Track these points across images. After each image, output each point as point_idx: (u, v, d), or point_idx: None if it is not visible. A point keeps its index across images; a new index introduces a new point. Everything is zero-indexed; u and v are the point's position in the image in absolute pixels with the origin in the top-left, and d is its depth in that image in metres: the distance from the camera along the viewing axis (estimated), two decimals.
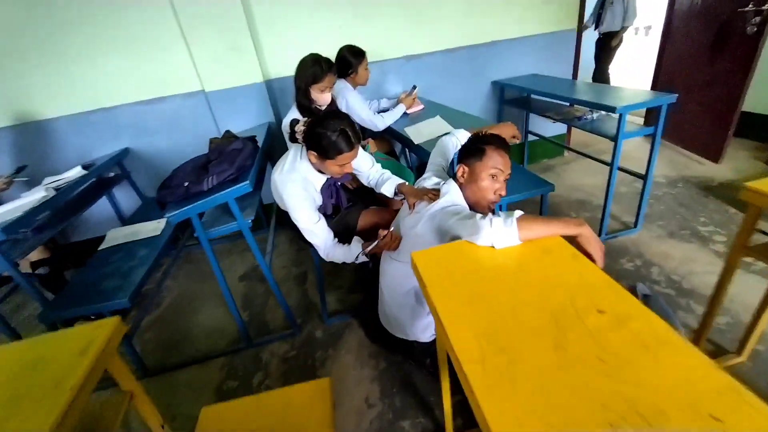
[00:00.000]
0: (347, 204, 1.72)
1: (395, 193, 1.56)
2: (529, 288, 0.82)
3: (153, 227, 2.06)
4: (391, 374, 1.66)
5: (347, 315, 2.01)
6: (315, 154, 1.35)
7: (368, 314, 1.86)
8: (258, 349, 1.92)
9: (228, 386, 1.75)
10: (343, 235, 1.70)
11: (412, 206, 1.33)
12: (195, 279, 2.59)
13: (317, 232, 1.47)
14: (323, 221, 1.49)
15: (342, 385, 1.66)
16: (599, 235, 2.24)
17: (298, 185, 1.41)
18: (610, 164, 2.04)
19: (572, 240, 0.95)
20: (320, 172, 1.47)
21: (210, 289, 2.45)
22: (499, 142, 1.24)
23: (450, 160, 1.58)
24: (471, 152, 1.25)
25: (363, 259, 1.46)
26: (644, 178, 2.10)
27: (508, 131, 1.56)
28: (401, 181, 1.58)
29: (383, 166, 1.74)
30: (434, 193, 1.28)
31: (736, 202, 2.38)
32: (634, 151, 3.22)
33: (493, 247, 0.94)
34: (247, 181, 1.51)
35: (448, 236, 1.10)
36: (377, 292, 1.58)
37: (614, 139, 1.93)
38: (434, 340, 1.41)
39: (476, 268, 0.91)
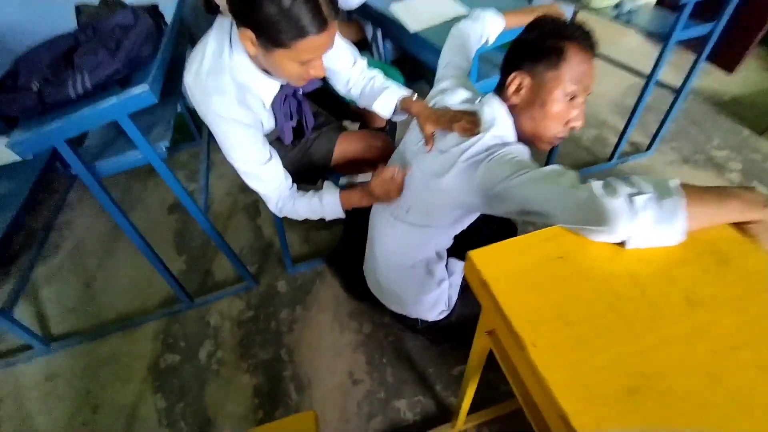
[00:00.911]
0: (314, 126, 1.16)
1: (395, 112, 1.04)
2: (686, 343, 0.46)
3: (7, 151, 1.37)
4: (378, 339, 1.36)
5: (317, 260, 1.61)
6: (253, 36, 0.74)
7: (346, 259, 1.47)
8: (202, 309, 1.50)
9: (168, 362, 1.36)
10: (307, 176, 1.19)
11: (429, 138, 0.85)
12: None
13: (265, 176, 0.95)
14: (275, 161, 0.95)
15: (318, 356, 1.33)
16: (610, 159, 1.93)
17: (230, 99, 0.82)
18: (649, 75, 1.62)
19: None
20: (267, 72, 0.87)
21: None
22: (585, 38, 0.75)
23: (472, 60, 1.06)
24: (537, 53, 0.76)
25: (339, 214, 1.00)
26: (678, 92, 1.73)
27: (554, 12, 1.05)
28: (406, 92, 1.03)
29: None
30: (470, 120, 0.79)
31: (750, 120, 2.14)
32: (630, 52, 2.79)
33: (621, 244, 0.55)
34: (145, 85, 0.89)
35: (510, 206, 0.67)
36: (357, 229, 1.16)
37: (666, 37, 1.47)
38: (446, 318, 1.07)
39: (585, 283, 0.52)
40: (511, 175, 0.66)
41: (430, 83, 1.03)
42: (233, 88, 0.82)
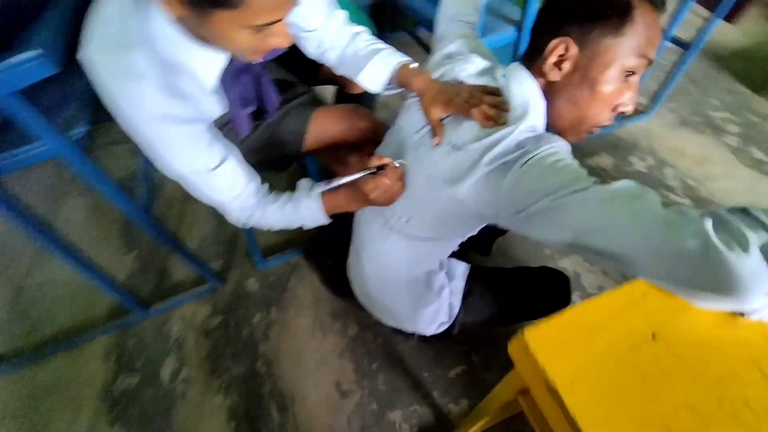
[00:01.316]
0: (279, 103, 0.89)
1: (387, 86, 0.80)
2: None
3: None
4: (365, 342, 1.22)
5: (291, 252, 1.42)
6: None
7: (325, 250, 1.28)
8: (161, 318, 1.29)
9: (124, 385, 1.17)
10: (272, 164, 0.96)
11: (437, 127, 0.64)
12: (40, 195, 1.66)
13: (218, 184, 0.69)
14: (231, 160, 0.69)
15: (299, 366, 1.18)
16: None
17: (149, 86, 0.55)
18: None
19: None
20: (204, 40, 0.56)
21: (67, 214, 1.59)
22: None
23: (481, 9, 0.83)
24: (592, 12, 0.55)
25: (321, 221, 0.79)
26: (688, 47, 1.55)
27: None
28: (404, 58, 0.77)
29: None
30: (494, 102, 0.59)
31: (749, 77, 2.02)
32: None
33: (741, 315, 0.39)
34: (37, 49, 0.62)
35: (557, 233, 0.49)
36: (338, 215, 0.96)
37: None
38: (446, 330, 0.93)
39: (697, 380, 0.36)
40: (561, 189, 0.48)
41: (414, 36, 0.80)
42: (154, 70, 0.55)
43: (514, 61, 0.66)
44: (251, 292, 1.34)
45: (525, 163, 0.52)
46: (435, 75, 0.70)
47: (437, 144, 0.63)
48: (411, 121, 0.70)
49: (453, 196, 0.60)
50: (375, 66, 0.77)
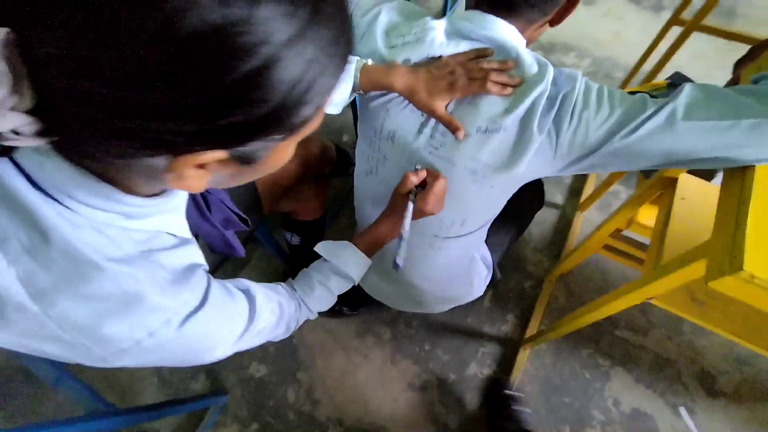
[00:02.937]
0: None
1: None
2: None
3: None
4: (406, 336, 1.21)
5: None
6: (223, 155, 0.28)
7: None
8: None
9: None
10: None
11: (452, 122, 0.57)
12: None
13: (261, 326, 0.50)
14: (253, 288, 0.50)
15: (366, 397, 1.12)
16: None
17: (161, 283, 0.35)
18: None
19: None
20: (230, 182, 0.36)
21: None
22: None
23: None
24: None
25: (365, 269, 0.67)
26: None
27: None
28: (354, 58, 0.60)
29: None
30: (502, 66, 0.55)
31: None
32: None
33: None
34: None
35: (645, 161, 0.52)
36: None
37: None
38: (490, 283, 0.96)
39: None
40: (629, 121, 0.50)
41: None
42: (164, 271, 0.36)
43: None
44: (264, 378, 1.16)
45: (574, 108, 0.52)
46: (398, 59, 0.60)
47: (462, 138, 0.57)
48: (402, 124, 0.62)
49: (511, 178, 0.57)
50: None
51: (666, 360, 1.16)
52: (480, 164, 0.58)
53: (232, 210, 0.48)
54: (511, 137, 0.55)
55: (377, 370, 1.16)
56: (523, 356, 1.14)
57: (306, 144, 0.79)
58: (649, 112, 0.49)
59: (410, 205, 0.59)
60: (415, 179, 0.60)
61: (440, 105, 0.57)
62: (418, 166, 0.61)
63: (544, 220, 1.39)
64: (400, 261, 0.57)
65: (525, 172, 0.57)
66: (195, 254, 0.42)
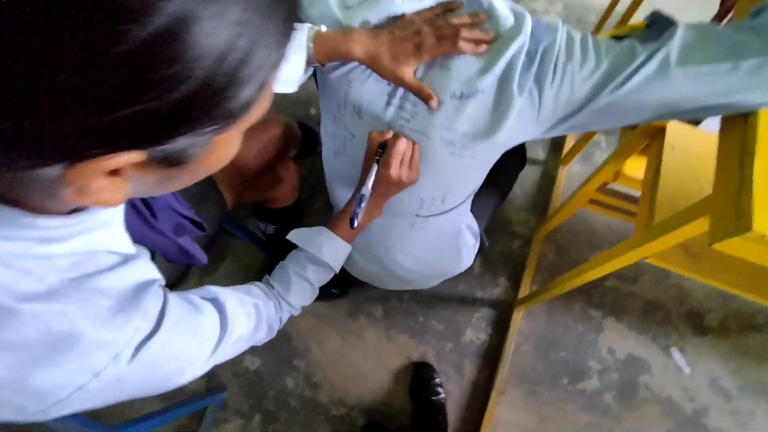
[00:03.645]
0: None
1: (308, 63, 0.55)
2: None
3: None
4: (398, 311, 1.19)
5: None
6: (141, 156, 0.22)
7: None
8: None
9: None
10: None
11: (421, 86, 0.50)
12: None
13: (237, 334, 0.47)
14: (222, 295, 0.45)
15: (365, 375, 1.12)
16: None
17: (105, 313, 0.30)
18: None
19: None
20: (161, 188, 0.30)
21: None
22: None
23: None
24: None
25: (346, 254, 0.63)
26: None
27: None
28: (306, 25, 0.51)
29: None
30: (474, 20, 0.49)
31: None
32: None
33: None
34: None
35: (638, 115, 0.47)
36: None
37: None
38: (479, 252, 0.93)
39: None
40: (618, 72, 0.45)
41: None
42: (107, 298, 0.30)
43: None
44: (260, 370, 1.14)
45: (556, 62, 0.47)
46: (354, 23, 0.53)
47: (436, 106, 0.51)
48: (367, 96, 0.55)
49: (492, 146, 0.52)
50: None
51: (655, 304, 1.18)
52: (457, 134, 0.52)
53: (182, 215, 0.42)
54: (489, 101, 0.49)
55: (373, 347, 1.15)
56: (518, 317, 1.14)
57: (264, 125, 0.71)
58: (639, 61, 0.44)
59: (374, 167, 0.54)
60: (379, 137, 0.55)
61: (407, 71, 0.50)
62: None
63: (526, 177, 1.36)
64: (356, 219, 0.53)
65: (507, 138, 0.51)
66: (144, 270, 0.36)
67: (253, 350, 1.16)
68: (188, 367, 0.40)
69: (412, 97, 0.53)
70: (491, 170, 0.66)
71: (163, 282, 0.38)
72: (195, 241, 0.49)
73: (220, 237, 0.73)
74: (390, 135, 0.55)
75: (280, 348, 1.16)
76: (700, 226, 0.43)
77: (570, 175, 1.35)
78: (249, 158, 0.69)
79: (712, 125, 0.70)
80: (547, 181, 1.35)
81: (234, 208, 0.75)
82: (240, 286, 0.54)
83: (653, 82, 0.44)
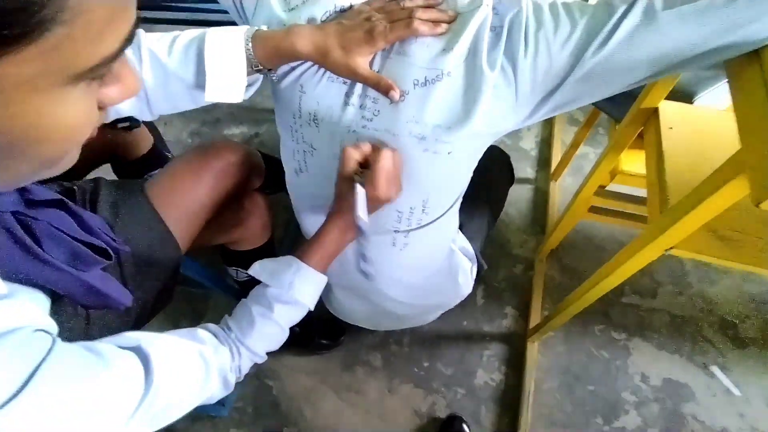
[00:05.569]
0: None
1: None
2: None
3: None
4: (398, 356, 1.05)
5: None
6: None
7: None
8: None
9: None
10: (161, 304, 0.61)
11: (378, 79, 0.44)
12: None
13: (193, 381, 0.39)
14: (148, 347, 0.35)
15: None
16: None
17: None
18: None
19: None
20: None
21: None
22: None
23: None
24: None
25: (321, 287, 0.53)
26: None
27: None
28: (242, 28, 0.46)
29: None
30: (420, 2, 0.44)
31: None
32: None
33: None
34: None
35: (631, 75, 0.41)
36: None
37: None
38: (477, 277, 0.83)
39: None
40: (596, 33, 0.39)
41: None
42: None
43: None
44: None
45: (527, 31, 0.41)
46: (301, 19, 0.48)
47: (400, 97, 0.45)
48: (322, 100, 0.49)
49: (470, 135, 0.45)
50: (218, 61, 0.45)
51: (682, 318, 1.06)
52: (428, 126, 0.45)
53: (78, 239, 0.33)
54: (459, 83, 0.43)
55: (376, 403, 1.00)
56: (533, 350, 1.01)
57: (216, 151, 0.64)
58: (619, 13, 0.38)
59: (358, 189, 0.46)
60: (356, 154, 0.47)
61: (361, 62, 0.44)
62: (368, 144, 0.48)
63: (518, 197, 1.29)
64: (366, 266, 0.43)
65: (484, 124, 0.44)
66: (14, 313, 0.27)
67: (237, 423, 1.01)
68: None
69: (371, 92, 0.46)
70: (478, 187, 0.59)
71: (52, 329, 0.29)
72: (112, 278, 0.40)
73: (174, 286, 0.63)
74: (368, 149, 0.48)
75: (268, 416, 1.00)
76: (734, 190, 0.35)
77: (562, 189, 1.29)
78: (199, 190, 0.61)
79: (706, 101, 0.65)
80: (541, 198, 1.29)
81: (195, 251, 0.66)
82: (182, 330, 0.44)
83: (641, 33, 0.38)
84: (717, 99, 0.64)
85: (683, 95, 0.66)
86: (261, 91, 0.54)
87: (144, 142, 0.88)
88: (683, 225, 0.43)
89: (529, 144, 1.42)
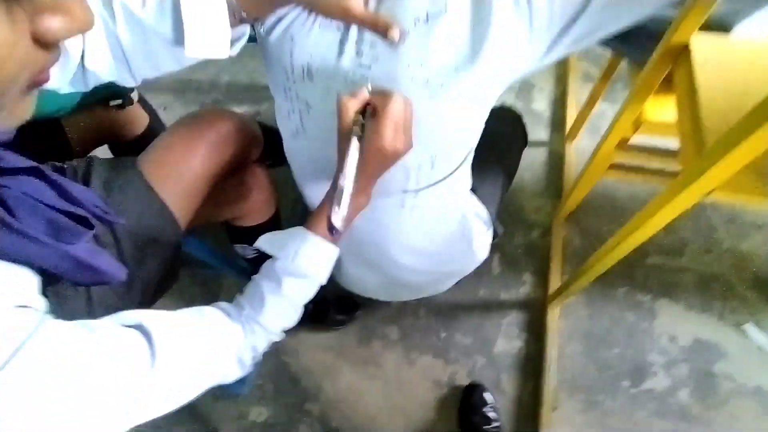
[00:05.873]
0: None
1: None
2: None
3: None
4: (416, 329, 1.04)
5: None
6: None
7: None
8: None
9: None
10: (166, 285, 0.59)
11: (375, 18, 0.40)
12: None
13: (205, 358, 0.38)
14: (147, 328, 0.33)
15: (393, 408, 0.95)
16: None
17: None
18: None
19: None
20: None
21: None
22: None
23: None
24: None
25: (333, 259, 0.50)
26: None
27: None
28: None
29: None
30: None
31: None
32: None
33: None
34: None
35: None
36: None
37: None
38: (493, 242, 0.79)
39: None
40: None
41: None
42: None
43: None
44: (269, 421, 0.98)
45: None
46: None
47: (400, 38, 0.40)
48: (315, 50, 0.45)
49: (480, 78, 0.41)
50: (196, 11, 0.40)
51: (711, 276, 1.01)
52: (432, 69, 0.41)
53: (57, 209, 0.30)
54: (465, 18, 0.38)
55: (394, 376, 0.99)
56: (553, 315, 0.98)
57: (209, 120, 0.60)
58: None
59: (354, 143, 0.40)
60: (354, 103, 0.41)
61: (355, 2, 0.40)
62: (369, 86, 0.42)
63: (533, 161, 1.23)
64: (335, 220, 0.39)
65: (496, 64, 0.40)
66: None
67: (258, 400, 1.01)
68: (88, 419, 0.27)
69: (368, 36, 0.42)
70: (491, 147, 0.54)
71: (39, 306, 0.27)
72: (103, 251, 0.37)
73: (178, 265, 0.61)
74: (366, 94, 0.41)
75: (288, 392, 1.00)
76: None
77: (579, 150, 1.23)
78: (193, 162, 0.58)
79: (745, 32, 0.58)
80: (556, 160, 1.23)
81: (197, 228, 0.64)
82: (189, 309, 0.42)
83: None
84: (758, 29, 0.58)
85: (719, 27, 0.59)
86: (261, 69, 0.50)
87: (140, 120, 0.86)
88: (725, 164, 0.38)
89: (542, 105, 1.35)
